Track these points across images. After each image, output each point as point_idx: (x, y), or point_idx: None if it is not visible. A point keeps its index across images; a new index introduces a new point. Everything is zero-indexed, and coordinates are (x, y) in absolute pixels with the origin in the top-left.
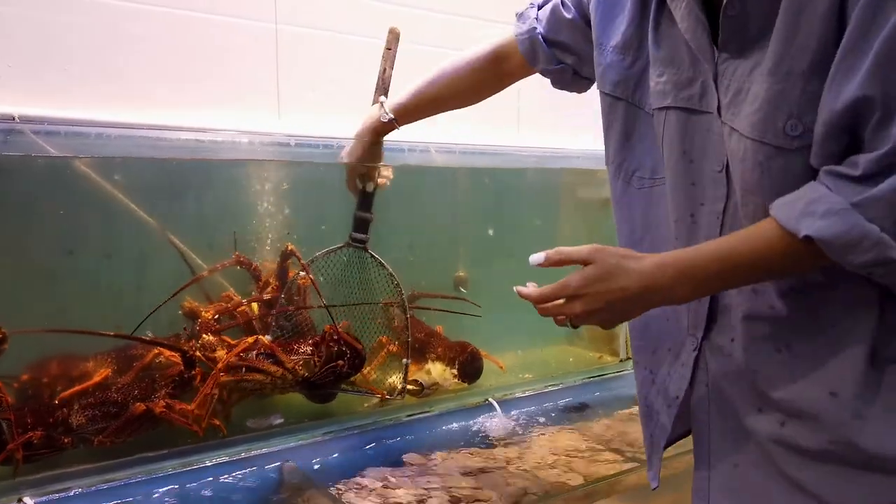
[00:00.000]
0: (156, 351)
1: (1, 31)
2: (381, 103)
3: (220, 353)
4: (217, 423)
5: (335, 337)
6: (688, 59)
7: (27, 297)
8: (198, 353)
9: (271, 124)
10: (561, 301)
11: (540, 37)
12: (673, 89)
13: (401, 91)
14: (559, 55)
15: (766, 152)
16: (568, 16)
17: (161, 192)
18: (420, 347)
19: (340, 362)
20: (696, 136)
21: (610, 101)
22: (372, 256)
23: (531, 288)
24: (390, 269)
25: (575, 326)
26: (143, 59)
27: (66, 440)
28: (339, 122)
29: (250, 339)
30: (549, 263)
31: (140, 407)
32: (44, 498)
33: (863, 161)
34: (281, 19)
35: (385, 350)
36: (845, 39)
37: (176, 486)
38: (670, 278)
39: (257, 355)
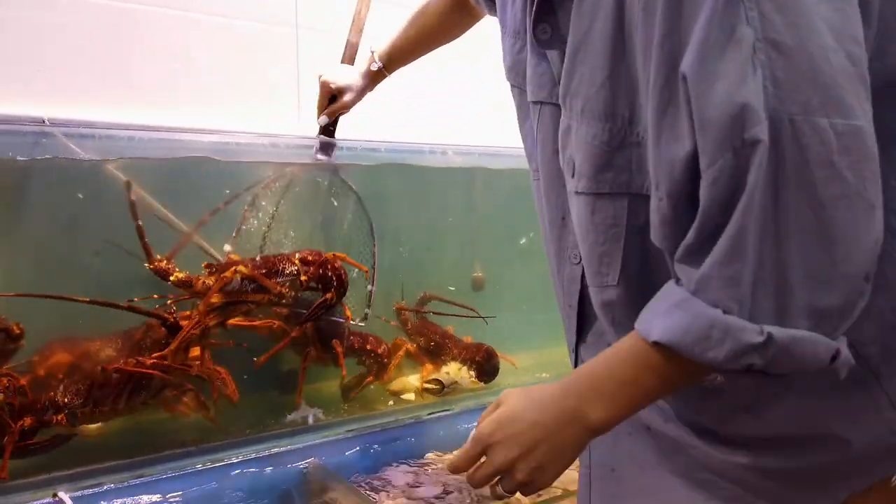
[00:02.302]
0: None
1: (30, 36)
2: (372, 52)
3: (199, 286)
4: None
5: (320, 259)
6: None
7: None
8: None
9: (292, 126)
10: (482, 460)
11: None
12: (549, 83)
13: (384, 39)
14: None
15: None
16: None
17: (186, 194)
18: (435, 348)
19: (329, 294)
20: None
21: (510, 87)
22: (342, 181)
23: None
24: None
25: (510, 492)
26: (167, 62)
27: (58, 418)
28: (360, 123)
29: (228, 273)
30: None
31: (108, 367)
32: (77, 493)
33: (688, 236)
34: (301, 23)
35: (403, 350)
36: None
37: (205, 483)
38: (572, 395)
39: (242, 280)
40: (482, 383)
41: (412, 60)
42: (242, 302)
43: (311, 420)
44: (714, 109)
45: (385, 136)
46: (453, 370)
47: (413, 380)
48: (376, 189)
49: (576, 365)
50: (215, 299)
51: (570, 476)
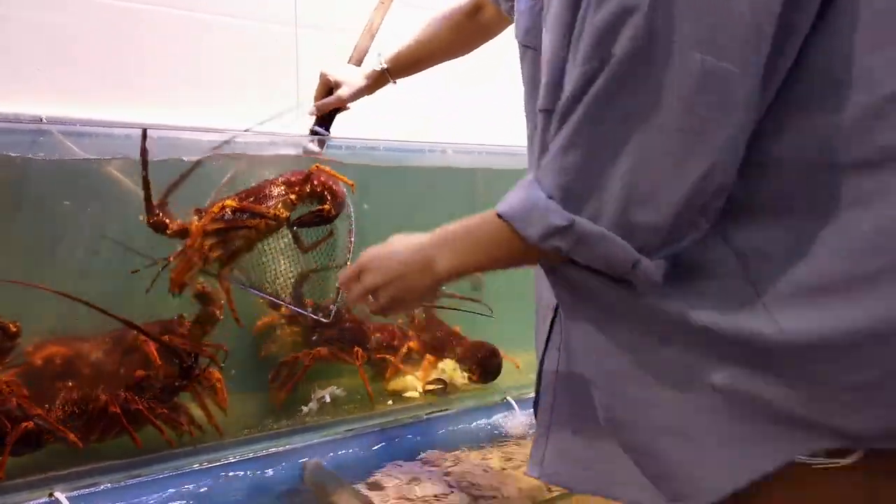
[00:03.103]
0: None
1: (29, 35)
2: (379, 55)
3: (195, 224)
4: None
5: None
6: None
7: (51, 298)
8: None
9: (292, 125)
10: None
11: None
12: None
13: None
14: None
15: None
16: None
17: (187, 192)
18: (439, 345)
19: (326, 206)
20: None
21: (522, 50)
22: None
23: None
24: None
25: (375, 312)
26: (166, 61)
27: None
28: (359, 122)
29: (216, 208)
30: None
31: (112, 407)
32: (74, 493)
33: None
34: (301, 22)
35: (406, 345)
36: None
37: (202, 482)
38: (431, 245)
39: (234, 212)
40: (474, 383)
41: (418, 70)
42: (240, 227)
43: (327, 399)
44: (601, 20)
45: (384, 134)
46: (448, 368)
47: (412, 379)
48: (374, 188)
49: (541, 365)
50: (210, 239)
51: None
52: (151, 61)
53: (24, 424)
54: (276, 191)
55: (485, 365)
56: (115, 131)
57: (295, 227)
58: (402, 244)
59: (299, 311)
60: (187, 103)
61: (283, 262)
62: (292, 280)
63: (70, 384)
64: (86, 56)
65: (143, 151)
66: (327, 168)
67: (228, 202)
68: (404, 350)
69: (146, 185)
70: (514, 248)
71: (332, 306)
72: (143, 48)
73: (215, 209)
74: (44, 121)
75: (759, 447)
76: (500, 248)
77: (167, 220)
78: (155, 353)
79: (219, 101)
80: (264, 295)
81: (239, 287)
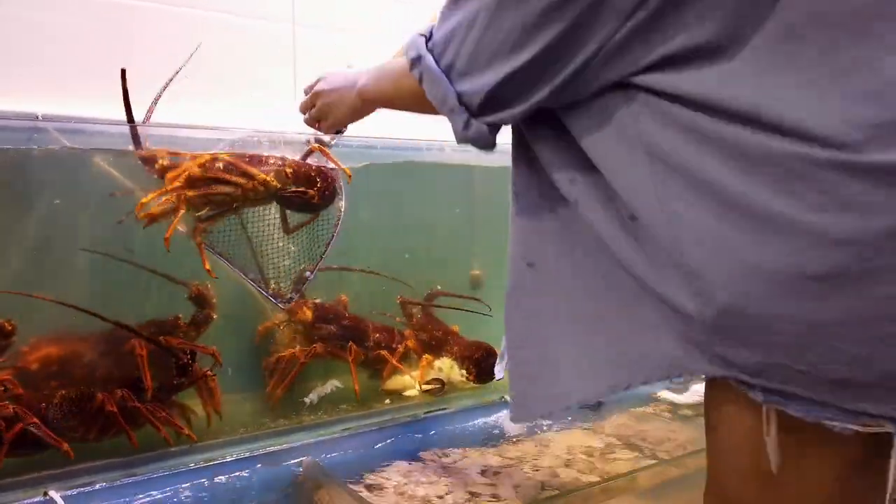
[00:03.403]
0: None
1: (28, 34)
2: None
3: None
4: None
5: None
6: None
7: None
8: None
9: (289, 123)
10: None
11: None
12: None
13: None
14: None
15: None
16: None
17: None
18: (436, 344)
19: (312, 191)
20: None
21: None
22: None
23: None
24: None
25: (312, 118)
26: (162, 58)
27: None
28: (385, 114)
29: (208, 156)
30: None
31: (109, 406)
32: (69, 492)
33: None
34: (298, 20)
35: (404, 345)
36: None
37: (198, 482)
38: (365, 71)
39: (226, 167)
40: (472, 382)
41: None
42: (222, 182)
43: (329, 390)
44: None
45: (381, 132)
46: (446, 367)
47: (409, 379)
48: (372, 187)
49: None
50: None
51: (571, 474)
52: (149, 59)
53: (21, 425)
54: (272, 160)
55: (481, 365)
56: (110, 128)
57: (278, 204)
58: (355, 71)
59: (261, 290)
60: (185, 100)
61: (265, 238)
62: (268, 257)
63: (67, 383)
64: (85, 55)
65: (124, 89)
66: (328, 152)
67: (222, 154)
68: (401, 349)
69: (133, 128)
70: (411, 78)
71: (293, 294)
72: (140, 46)
73: (208, 157)
74: (39, 118)
75: (653, 355)
76: (403, 77)
77: (156, 154)
78: (144, 353)
79: (217, 99)
80: (230, 265)
81: (209, 251)
